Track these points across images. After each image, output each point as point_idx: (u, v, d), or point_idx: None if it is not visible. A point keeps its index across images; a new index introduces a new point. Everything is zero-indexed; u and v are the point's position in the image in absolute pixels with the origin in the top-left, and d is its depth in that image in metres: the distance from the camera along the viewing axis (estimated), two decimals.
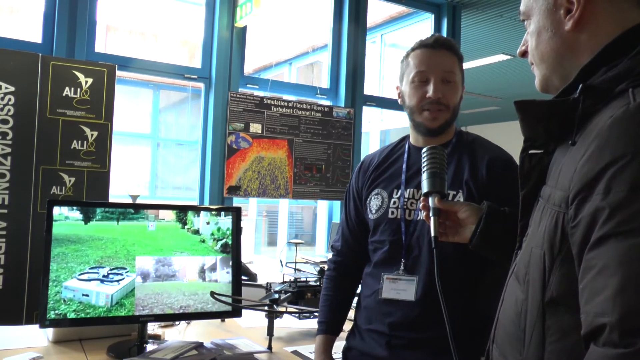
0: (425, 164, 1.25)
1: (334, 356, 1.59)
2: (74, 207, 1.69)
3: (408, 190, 1.48)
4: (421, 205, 1.24)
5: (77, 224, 1.69)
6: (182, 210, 1.83)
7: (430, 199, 1.21)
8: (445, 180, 1.23)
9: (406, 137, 1.60)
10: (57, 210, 1.67)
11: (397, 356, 1.42)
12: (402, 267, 1.44)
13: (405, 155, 1.54)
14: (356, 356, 1.53)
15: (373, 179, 1.57)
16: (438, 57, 1.46)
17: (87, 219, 1.70)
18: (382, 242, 1.50)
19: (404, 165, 1.52)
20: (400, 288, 1.43)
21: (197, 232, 1.83)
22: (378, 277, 1.48)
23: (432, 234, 1.17)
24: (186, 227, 1.82)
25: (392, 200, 1.50)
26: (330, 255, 1.72)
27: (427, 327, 1.38)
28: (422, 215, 1.44)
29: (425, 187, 1.22)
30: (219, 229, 1.84)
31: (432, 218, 1.19)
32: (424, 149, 1.26)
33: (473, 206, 1.24)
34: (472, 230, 1.21)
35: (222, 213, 1.86)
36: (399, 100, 1.55)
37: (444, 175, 1.23)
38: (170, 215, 1.82)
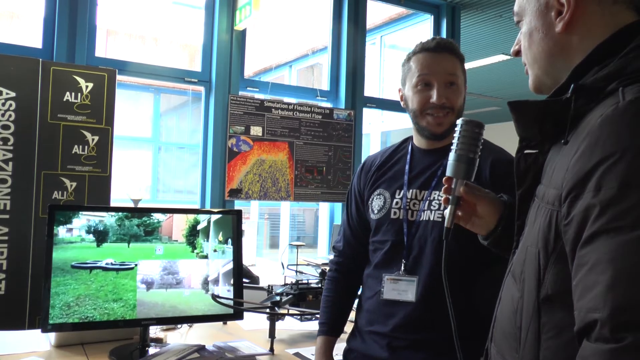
0: (456, 142, 1.13)
1: (335, 358, 1.59)
2: (89, 231, 1.69)
3: (411, 191, 1.48)
4: (443, 189, 1.14)
5: (90, 246, 1.69)
6: (192, 234, 1.80)
7: (454, 184, 1.12)
8: (475, 166, 1.12)
9: (409, 139, 1.59)
10: (76, 232, 1.67)
11: (398, 358, 1.41)
12: (402, 268, 1.44)
13: (408, 157, 1.54)
14: (357, 358, 1.53)
15: (375, 179, 1.57)
16: (440, 60, 1.44)
17: (100, 241, 1.70)
18: (383, 243, 1.50)
19: (407, 166, 1.52)
20: (401, 289, 1.42)
21: (205, 257, 1.81)
22: (379, 278, 1.48)
23: (446, 225, 1.12)
24: (195, 251, 1.80)
25: (395, 200, 1.49)
26: (332, 257, 1.72)
27: (427, 328, 1.38)
28: (425, 215, 1.44)
29: (449, 172, 1.12)
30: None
31: (450, 207, 1.12)
32: (459, 121, 1.15)
33: (493, 204, 1.15)
34: (486, 225, 1.15)
35: (229, 241, 1.84)
36: (402, 104, 1.54)
37: (475, 161, 1.12)
38: (182, 236, 1.80)
